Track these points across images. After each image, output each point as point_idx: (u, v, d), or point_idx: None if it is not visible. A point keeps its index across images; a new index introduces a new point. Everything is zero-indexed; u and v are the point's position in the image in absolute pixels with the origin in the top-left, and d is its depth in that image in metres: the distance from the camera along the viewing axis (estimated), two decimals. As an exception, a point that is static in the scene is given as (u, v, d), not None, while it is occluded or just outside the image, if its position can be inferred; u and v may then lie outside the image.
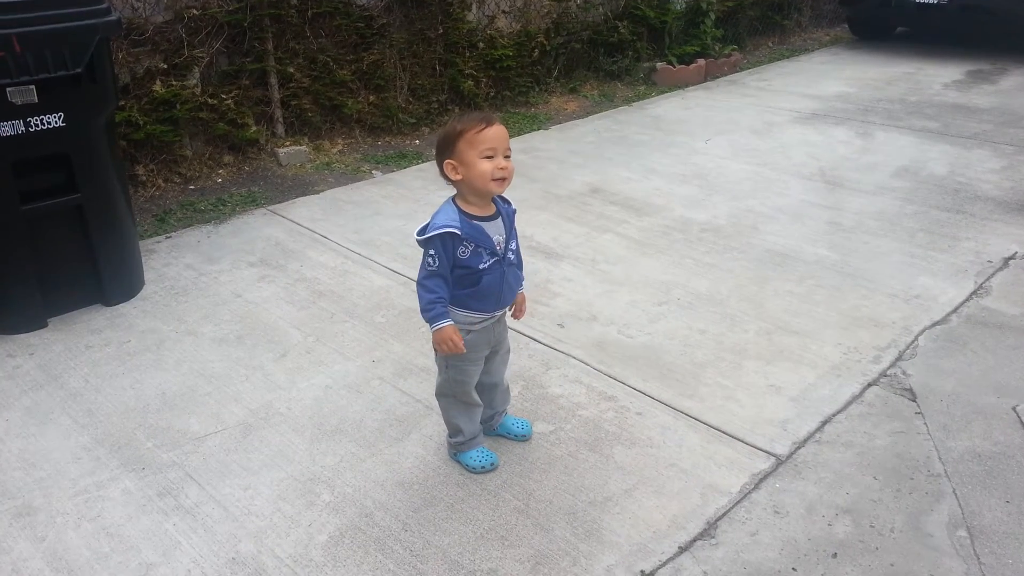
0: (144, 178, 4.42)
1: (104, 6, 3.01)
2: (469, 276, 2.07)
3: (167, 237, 3.92)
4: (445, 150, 2.04)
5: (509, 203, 2.17)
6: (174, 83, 4.42)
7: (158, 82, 4.35)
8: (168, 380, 2.78)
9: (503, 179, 2.02)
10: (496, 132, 2.00)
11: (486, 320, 2.16)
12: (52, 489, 2.28)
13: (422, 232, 2.06)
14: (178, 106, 4.41)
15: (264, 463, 2.38)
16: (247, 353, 2.94)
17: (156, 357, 2.91)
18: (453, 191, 2.11)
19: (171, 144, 4.50)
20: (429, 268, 2.05)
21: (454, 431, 2.33)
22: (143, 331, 3.08)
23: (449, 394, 2.27)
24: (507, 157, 2.02)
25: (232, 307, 3.25)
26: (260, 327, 3.11)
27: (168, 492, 2.27)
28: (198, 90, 4.57)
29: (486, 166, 1.99)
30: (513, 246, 2.15)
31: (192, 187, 4.53)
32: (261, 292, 3.37)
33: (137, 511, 2.20)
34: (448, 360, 2.19)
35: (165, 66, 4.40)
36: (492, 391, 2.37)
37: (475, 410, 2.31)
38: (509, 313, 2.27)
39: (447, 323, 2.06)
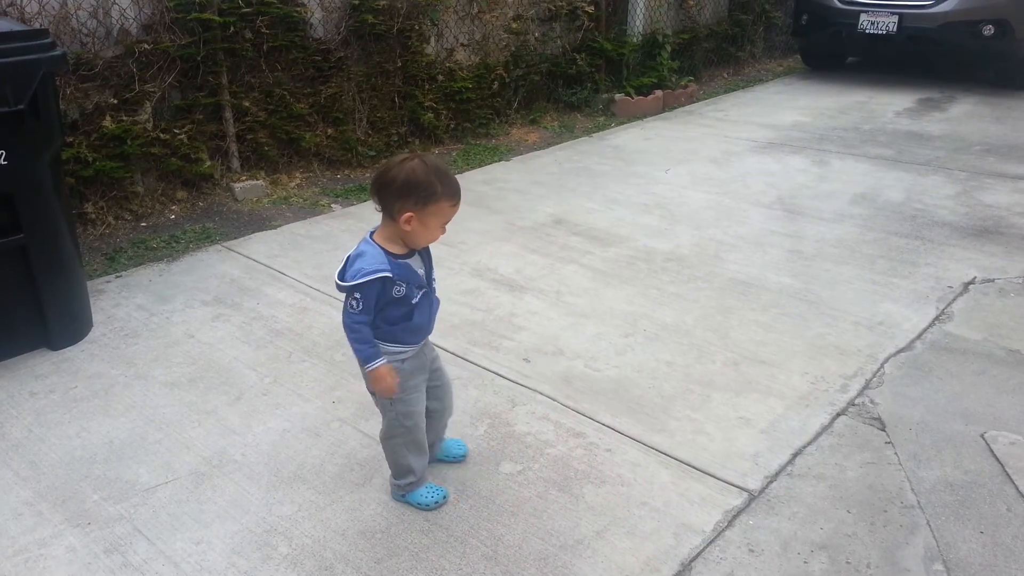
0: (93, 216, 4.28)
1: (48, 40, 2.91)
2: (402, 312, 2.07)
3: (117, 276, 3.79)
4: (410, 198, 1.95)
5: None
6: (125, 118, 4.31)
7: (108, 117, 4.24)
8: (116, 428, 2.65)
9: None
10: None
11: (417, 347, 2.18)
12: (-11, 549, 2.14)
13: (345, 276, 2.01)
14: (129, 142, 4.29)
15: (218, 514, 2.26)
16: (200, 397, 2.82)
17: (104, 403, 2.78)
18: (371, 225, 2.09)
19: (122, 180, 4.37)
20: (353, 311, 2.02)
21: (404, 472, 2.26)
22: (90, 376, 2.94)
23: (398, 434, 2.21)
24: None
25: (185, 348, 3.13)
26: (214, 369, 2.99)
27: (115, 548, 2.14)
28: (150, 125, 4.46)
29: (437, 234, 2.04)
30: (433, 275, 2.17)
31: (144, 224, 4.40)
32: (215, 332, 3.26)
33: (82, 570, 2.07)
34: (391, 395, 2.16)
35: (115, 101, 4.29)
36: (441, 416, 2.36)
37: (424, 449, 2.28)
38: None
39: (381, 361, 2.05)
